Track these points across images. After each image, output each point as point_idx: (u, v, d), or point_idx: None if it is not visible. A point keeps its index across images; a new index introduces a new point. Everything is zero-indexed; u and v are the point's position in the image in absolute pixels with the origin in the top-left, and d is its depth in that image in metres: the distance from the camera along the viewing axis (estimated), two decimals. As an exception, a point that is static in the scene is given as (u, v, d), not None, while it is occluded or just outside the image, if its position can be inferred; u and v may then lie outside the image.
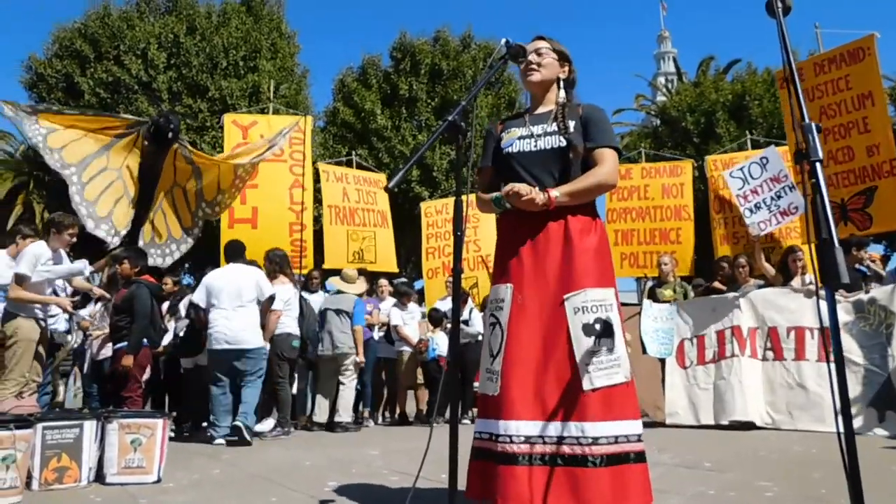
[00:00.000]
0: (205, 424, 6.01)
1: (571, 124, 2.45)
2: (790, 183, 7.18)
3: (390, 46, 19.51)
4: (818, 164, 1.57)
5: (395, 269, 10.78)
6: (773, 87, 18.35)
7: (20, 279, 4.94)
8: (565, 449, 2.14)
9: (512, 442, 2.21)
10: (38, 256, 5.05)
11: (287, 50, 18.61)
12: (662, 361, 6.71)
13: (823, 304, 1.61)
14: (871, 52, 7.83)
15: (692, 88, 21.44)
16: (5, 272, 5.27)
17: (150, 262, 6.14)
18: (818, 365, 5.75)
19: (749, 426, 5.84)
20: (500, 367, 2.31)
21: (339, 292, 7.42)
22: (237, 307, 5.77)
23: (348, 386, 7.08)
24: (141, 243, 6.33)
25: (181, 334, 6.16)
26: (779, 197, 7.02)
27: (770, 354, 6.08)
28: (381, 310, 8.29)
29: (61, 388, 7.57)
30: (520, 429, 2.20)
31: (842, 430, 1.50)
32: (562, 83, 2.58)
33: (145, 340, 5.53)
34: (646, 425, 6.13)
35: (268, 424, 6.28)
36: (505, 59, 2.45)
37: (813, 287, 5.97)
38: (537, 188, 2.36)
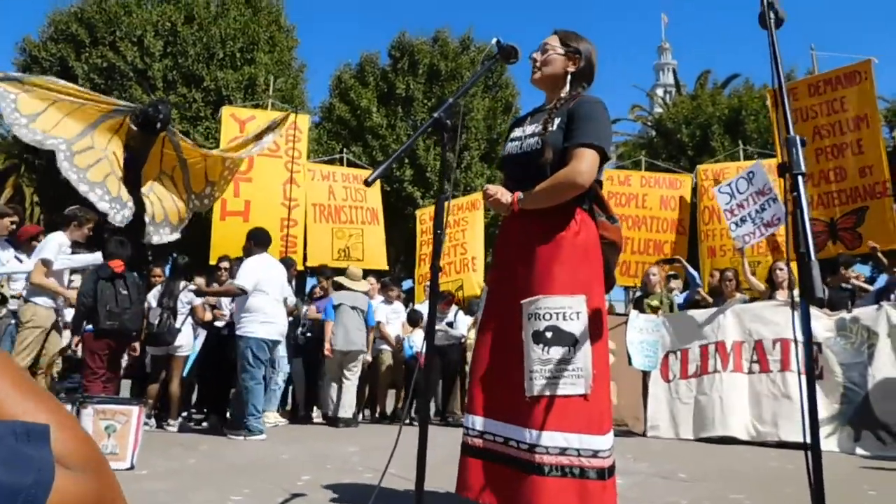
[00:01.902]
0: (192, 415, 5.98)
1: (556, 122, 2.31)
2: (774, 195, 7.28)
3: (389, 45, 19.56)
4: (800, 178, 1.57)
5: (385, 267, 10.76)
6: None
7: (46, 264, 5.07)
8: (510, 451, 2.18)
9: (468, 434, 2.29)
10: (61, 245, 5.25)
11: (285, 43, 18.57)
12: (644, 373, 6.70)
13: (798, 317, 1.60)
14: (867, 77, 8.00)
15: (689, 101, 21.55)
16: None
17: (151, 240, 6.21)
18: (804, 377, 5.74)
19: (730, 441, 5.86)
20: (470, 365, 2.42)
21: (341, 287, 7.45)
22: (279, 299, 5.89)
23: (353, 382, 7.17)
24: (147, 219, 6.30)
25: (155, 323, 5.99)
26: (763, 209, 7.08)
27: (756, 367, 6.09)
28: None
29: None
30: (475, 423, 2.28)
31: (808, 440, 1.50)
32: (568, 77, 2.42)
33: (91, 326, 5.25)
34: (625, 435, 6.21)
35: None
36: (496, 59, 2.42)
37: (795, 299, 6.00)
38: (504, 190, 2.35)
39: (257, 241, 5.98)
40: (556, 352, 2.15)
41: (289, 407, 7.98)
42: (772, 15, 1.78)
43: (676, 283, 8.39)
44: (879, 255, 7.04)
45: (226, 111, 9.94)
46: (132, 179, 6.05)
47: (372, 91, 18.93)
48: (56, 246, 5.22)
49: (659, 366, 6.62)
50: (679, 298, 7.89)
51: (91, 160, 5.73)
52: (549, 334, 2.17)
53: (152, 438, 5.04)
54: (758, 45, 1.83)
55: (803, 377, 5.55)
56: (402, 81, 18.72)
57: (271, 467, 3.81)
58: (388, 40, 19.87)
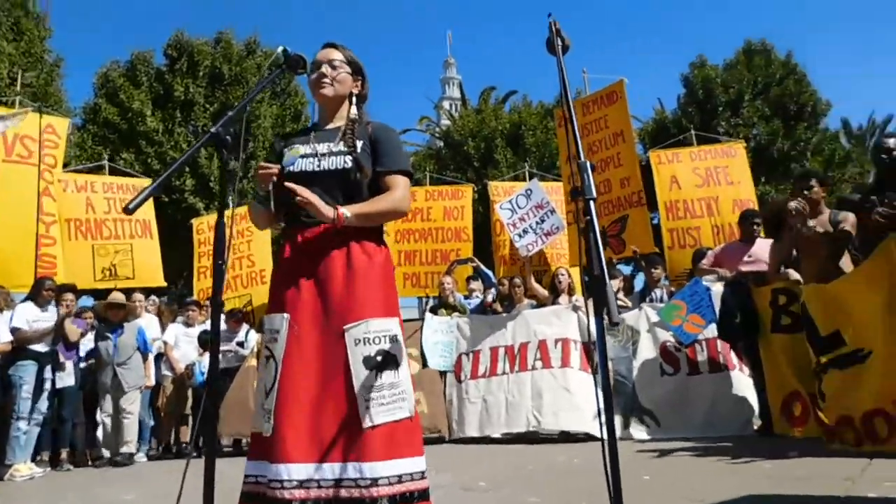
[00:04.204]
0: None
1: (359, 144, 2.31)
2: (551, 207, 7.99)
3: (165, 44, 18.06)
4: (591, 203, 1.62)
5: (162, 283, 9.85)
6: (545, 120, 20.17)
7: None
8: (343, 492, 1.99)
9: (283, 487, 2.00)
10: None
11: (35, 33, 16.26)
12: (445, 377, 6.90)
13: (593, 327, 1.66)
14: (621, 95, 9.02)
15: (474, 115, 22.74)
16: None
17: None
18: (580, 372, 6.31)
19: (519, 438, 6.20)
20: (274, 406, 2.10)
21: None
22: None
23: (136, 416, 6.85)
24: None
25: None
26: (542, 221, 7.77)
27: (539, 364, 6.52)
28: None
29: None
30: (291, 472, 2.00)
31: (606, 437, 1.58)
32: (353, 98, 2.44)
33: None
34: (432, 442, 6.30)
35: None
36: (282, 69, 2.26)
37: (575, 304, 6.58)
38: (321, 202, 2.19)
39: None
40: (387, 376, 2.12)
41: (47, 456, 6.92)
42: (559, 41, 1.84)
43: (476, 285, 8.71)
44: (639, 258, 7.96)
45: (-37, 108, 8.46)
46: None
47: (145, 93, 17.34)
48: None
49: (453, 367, 6.88)
50: (477, 300, 8.21)
51: None
52: (379, 358, 2.12)
53: None
54: (533, 64, 1.89)
55: (583, 372, 6.07)
56: (180, 83, 17.39)
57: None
58: (164, 39, 18.35)
